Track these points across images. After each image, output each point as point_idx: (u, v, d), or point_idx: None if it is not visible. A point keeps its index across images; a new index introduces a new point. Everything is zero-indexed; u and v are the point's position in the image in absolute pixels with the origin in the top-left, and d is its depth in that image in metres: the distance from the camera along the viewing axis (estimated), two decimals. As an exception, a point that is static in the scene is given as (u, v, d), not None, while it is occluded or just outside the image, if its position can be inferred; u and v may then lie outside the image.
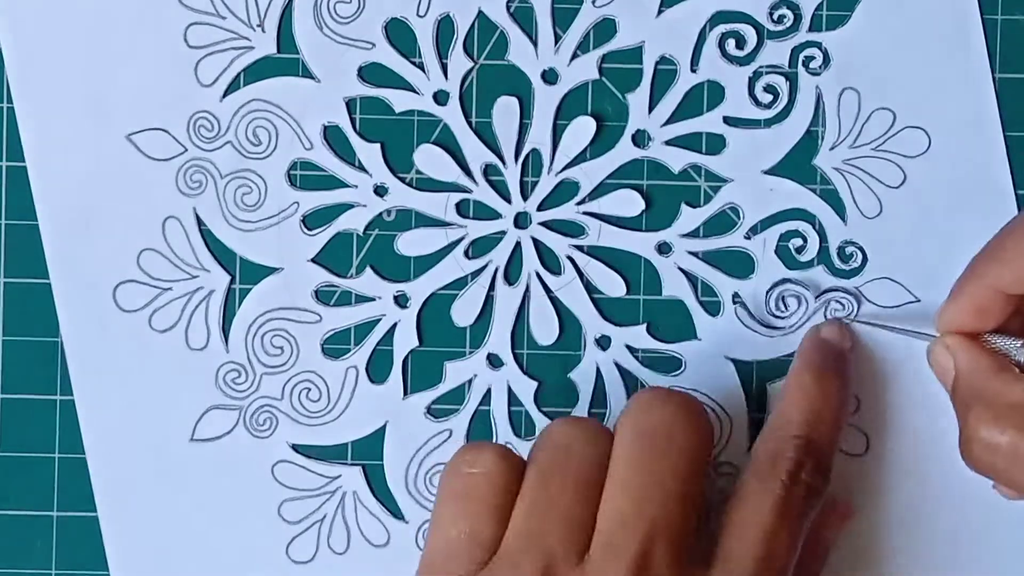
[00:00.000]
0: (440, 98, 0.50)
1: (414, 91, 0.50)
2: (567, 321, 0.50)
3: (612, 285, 0.50)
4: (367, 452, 0.50)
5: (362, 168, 0.50)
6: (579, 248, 0.50)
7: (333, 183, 0.50)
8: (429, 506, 0.50)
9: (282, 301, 0.50)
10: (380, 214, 0.50)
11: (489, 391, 0.50)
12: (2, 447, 0.50)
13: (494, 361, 0.50)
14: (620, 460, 0.45)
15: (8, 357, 0.50)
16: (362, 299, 0.50)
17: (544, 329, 0.50)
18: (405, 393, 0.50)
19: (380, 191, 0.50)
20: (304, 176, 0.50)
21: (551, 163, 0.50)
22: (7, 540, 0.50)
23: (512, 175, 0.50)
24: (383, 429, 0.50)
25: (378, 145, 0.50)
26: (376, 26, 0.49)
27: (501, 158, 0.50)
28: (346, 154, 0.50)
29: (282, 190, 0.50)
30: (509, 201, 0.50)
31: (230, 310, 0.50)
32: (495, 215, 0.50)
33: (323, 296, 0.50)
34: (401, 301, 0.50)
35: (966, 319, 0.46)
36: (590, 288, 0.50)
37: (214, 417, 0.50)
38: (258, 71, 0.49)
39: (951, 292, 0.47)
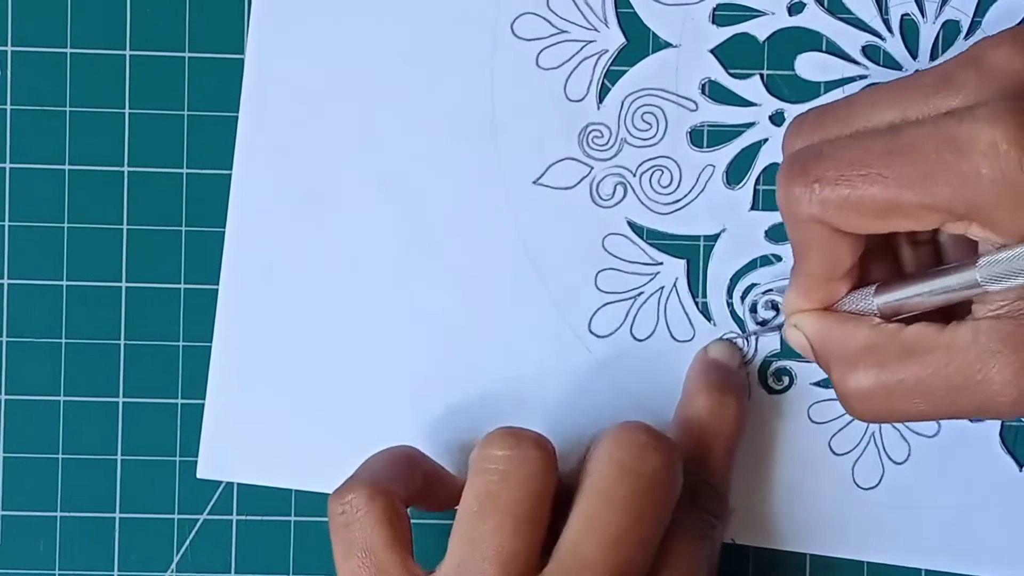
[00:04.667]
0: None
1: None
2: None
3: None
4: (691, 251, 0.50)
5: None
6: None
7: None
8: (741, 317, 0.50)
9: (667, 83, 0.50)
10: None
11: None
12: (5, 448, 0.50)
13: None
14: (595, 495, 0.44)
15: (10, 357, 0.50)
16: (741, 102, 0.50)
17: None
18: (752, 207, 0.50)
19: (794, 10, 0.50)
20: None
21: (967, 35, 0.50)
22: (10, 541, 0.50)
23: (928, 33, 0.50)
24: (716, 237, 0.50)
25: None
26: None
27: (923, 11, 0.50)
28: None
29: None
30: (915, 58, 0.50)
31: (614, 74, 0.50)
32: (898, 67, 0.50)
33: (707, 88, 0.50)
34: (776, 120, 0.50)
35: (802, 302, 0.46)
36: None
37: (566, 168, 0.50)
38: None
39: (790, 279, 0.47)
